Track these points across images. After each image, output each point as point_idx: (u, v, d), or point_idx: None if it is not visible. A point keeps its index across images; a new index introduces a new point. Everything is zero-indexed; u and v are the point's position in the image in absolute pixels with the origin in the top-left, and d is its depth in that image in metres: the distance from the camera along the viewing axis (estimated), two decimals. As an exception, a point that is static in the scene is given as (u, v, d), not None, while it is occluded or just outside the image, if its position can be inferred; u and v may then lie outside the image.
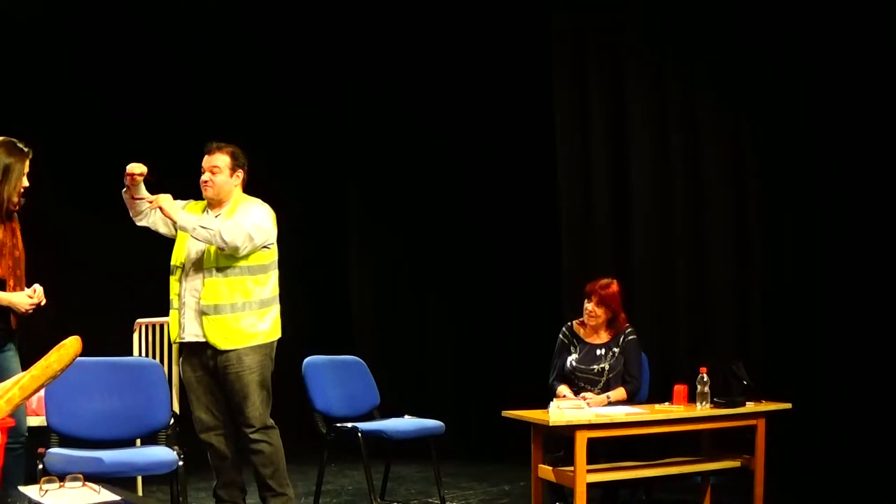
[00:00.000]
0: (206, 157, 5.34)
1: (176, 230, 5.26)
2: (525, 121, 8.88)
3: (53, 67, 8.67)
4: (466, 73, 9.15)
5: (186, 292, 5.22)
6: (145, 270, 8.84)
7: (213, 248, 5.14)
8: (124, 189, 5.25)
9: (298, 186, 9.23)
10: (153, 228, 5.37)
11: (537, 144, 8.71)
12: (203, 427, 5.26)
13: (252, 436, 5.18)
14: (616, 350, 5.99)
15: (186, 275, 5.23)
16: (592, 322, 6.04)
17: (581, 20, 8.25)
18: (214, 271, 5.17)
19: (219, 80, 9.31)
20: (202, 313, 5.15)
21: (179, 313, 5.24)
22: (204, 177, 5.30)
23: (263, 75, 9.51)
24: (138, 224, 5.35)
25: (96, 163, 8.77)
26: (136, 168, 5.13)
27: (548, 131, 8.43)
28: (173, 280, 5.30)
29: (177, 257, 5.29)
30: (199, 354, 5.22)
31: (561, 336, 6.15)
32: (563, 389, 5.95)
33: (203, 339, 5.17)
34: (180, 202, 5.28)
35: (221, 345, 5.15)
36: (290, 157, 9.46)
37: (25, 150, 4.73)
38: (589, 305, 6.02)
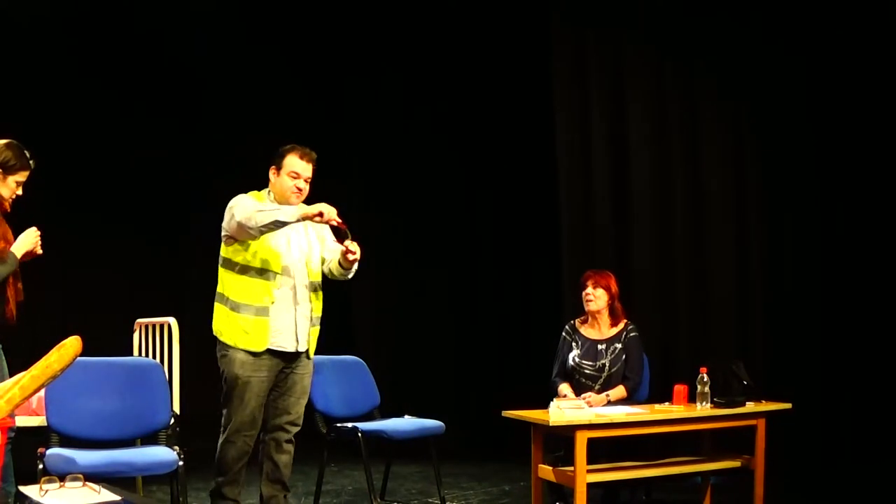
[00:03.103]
0: (301, 164, 5.19)
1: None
2: (525, 122, 8.89)
3: (54, 68, 8.66)
4: (467, 75, 9.16)
5: (299, 302, 5.16)
6: (145, 271, 8.89)
7: (313, 263, 5.24)
8: (303, 217, 4.97)
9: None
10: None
11: (538, 145, 8.71)
12: (240, 427, 5.13)
13: (294, 435, 5.27)
14: (618, 346, 6.01)
15: (293, 286, 5.13)
16: (593, 307, 6.06)
17: (581, 19, 8.24)
18: (318, 285, 5.27)
19: (219, 80, 9.31)
20: (312, 324, 5.24)
21: (275, 320, 5.10)
22: (299, 184, 5.18)
23: (263, 74, 9.51)
24: (255, 237, 5.05)
25: (96, 163, 8.81)
26: (335, 213, 5.02)
27: (548, 132, 8.42)
28: (267, 284, 5.08)
29: (272, 263, 5.09)
30: (277, 359, 5.15)
31: (563, 334, 6.18)
32: (564, 388, 5.98)
33: (305, 348, 5.23)
34: (247, 198, 5.11)
35: (312, 353, 5.29)
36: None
37: (31, 162, 4.86)
38: (588, 289, 6.06)
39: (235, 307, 5.08)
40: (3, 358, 4.76)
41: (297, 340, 5.16)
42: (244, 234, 5.00)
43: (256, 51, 9.43)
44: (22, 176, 4.86)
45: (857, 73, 7.38)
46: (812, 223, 7.54)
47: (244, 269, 5.08)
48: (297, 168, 5.18)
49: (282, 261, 5.11)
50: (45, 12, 8.49)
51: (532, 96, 8.73)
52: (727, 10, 7.75)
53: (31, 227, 4.93)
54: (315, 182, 7.62)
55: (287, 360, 5.18)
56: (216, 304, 5.18)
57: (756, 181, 7.72)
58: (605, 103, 8.13)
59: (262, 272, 5.08)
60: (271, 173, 5.23)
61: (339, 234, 5.19)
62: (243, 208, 4.98)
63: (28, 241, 4.86)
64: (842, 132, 7.46)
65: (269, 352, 5.10)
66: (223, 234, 5.13)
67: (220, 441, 5.17)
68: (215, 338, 5.17)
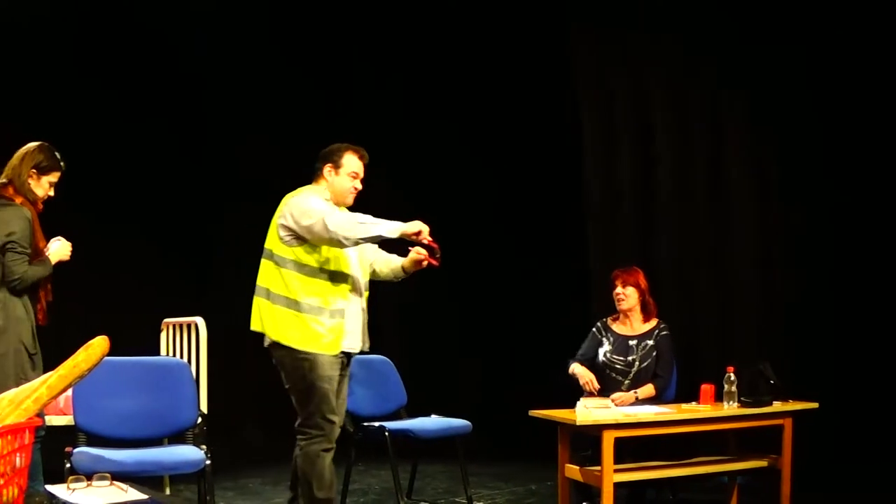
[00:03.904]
0: (359, 164, 5.11)
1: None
2: (551, 126, 8.89)
3: (54, 68, 8.62)
4: (479, 73, 9.16)
5: (362, 304, 5.10)
6: (172, 270, 8.91)
7: (365, 265, 5.18)
8: (401, 234, 4.85)
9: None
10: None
11: (564, 147, 8.70)
12: (336, 431, 5.03)
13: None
14: (650, 343, 6.03)
15: (358, 287, 5.07)
16: (624, 305, 6.10)
17: (599, 17, 8.24)
18: (367, 285, 5.20)
19: (219, 79, 9.28)
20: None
21: (349, 323, 4.99)
22: (357, 184, 5.11)
23: (264, 74, 9.45)
24: (344, 247, 4.93)
25: (96, 163, 8.77)
26: (428, 231, 4.90)
27: (575, 134, 8.42)
28: (342, 287, 4.98)
29: (343, 265, 5.00)
30: (343, 359, 5.06)
31: (594, 329, 6.24)
32: (575, 367, 6.08)
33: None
34: (321, 201, 5.01)
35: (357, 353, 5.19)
36: (296, 159, 9.45)
37: (61, 163, 5.14)
38: (618, 289, 6.11)
39: (309, 310, 4.88)
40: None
41: (363, 342, 5.09)
42: (331, 242, 4.86)
43: (256, 51, 9.37)
44: (54, 176, 5.08)
45: (877, 76, 7.35)
46: (836, 223, 7.51)
47: (316, 272, 4.92)
48: (356, 168, 5.11)
49: (348, 264, 5.03)
50: (45, 12, 8.46)
51: (553, 91, 8.74)
52: (744, 10, 7.74)
53: (57, 228, 5.08)
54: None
55: (348, 361, 5.11)
56: (276, 308, 4.91)
57: (780, 182, 7.71)
58: (629, 115, 8.17)
59: (336, 275, 4.96)
60: (327, 171, 5.08)
61: (428, 251, 5.09)
62: (338, 219, 4.83)
63: (64, 251, 5.15)
64: (863, 133, 7.44)
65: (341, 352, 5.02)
66: (286, 234, 4.92)
67: (315, 450, 4.89)
68: (275, 343, 4.91)
